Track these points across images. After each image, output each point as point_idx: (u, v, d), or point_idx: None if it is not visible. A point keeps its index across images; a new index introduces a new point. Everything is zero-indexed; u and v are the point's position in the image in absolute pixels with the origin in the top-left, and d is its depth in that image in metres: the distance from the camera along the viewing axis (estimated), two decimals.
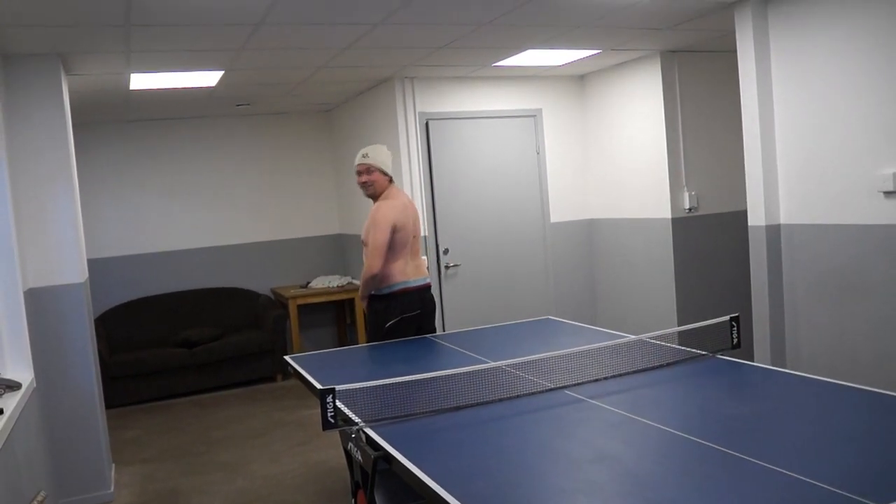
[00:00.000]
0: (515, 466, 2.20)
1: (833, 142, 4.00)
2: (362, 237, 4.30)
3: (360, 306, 4.61)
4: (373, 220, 4.17)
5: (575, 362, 3.20)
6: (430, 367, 3.30)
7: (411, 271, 4.26)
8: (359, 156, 4.31)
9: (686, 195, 5.82)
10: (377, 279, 4.16)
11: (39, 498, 2.18)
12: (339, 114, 7.68)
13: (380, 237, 4.09)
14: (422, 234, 4.50)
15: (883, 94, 3.73)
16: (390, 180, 4.30)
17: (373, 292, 4.27)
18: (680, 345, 3.53)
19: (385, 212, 4.14)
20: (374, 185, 4.27)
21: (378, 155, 4.29)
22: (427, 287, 4.37)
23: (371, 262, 4.10)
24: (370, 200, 4.36)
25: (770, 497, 1.85)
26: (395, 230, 4.12)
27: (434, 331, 4.44)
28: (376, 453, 2.46)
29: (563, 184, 6.64)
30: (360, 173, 4.29)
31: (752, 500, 1.85)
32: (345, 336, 7.88)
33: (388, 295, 4.22)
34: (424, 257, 4.57)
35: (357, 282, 4.46)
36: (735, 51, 4.43)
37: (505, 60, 5.54)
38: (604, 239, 6.65)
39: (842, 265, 4.03)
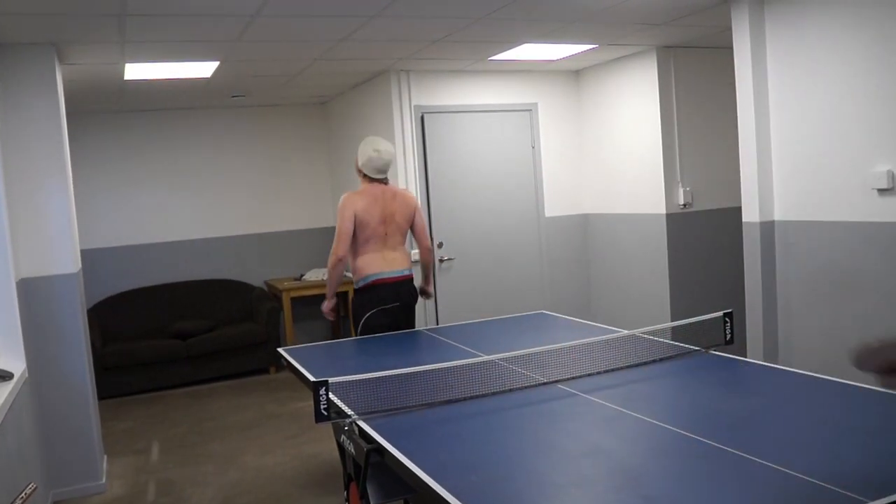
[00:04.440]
0: (508, 460, 2.21)
1: (828, 139, 4.01)
2: None
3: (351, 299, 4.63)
4: (338, 209, 4.31)
5: (568, 357, 3.21)
6: (423, 360, 3.30)
7: (384, 263, 4.28)
8: None
9: (681, 191, 5.82)
10: (342, 265, 4.27)
11: (28, 490, 2.17)
12: (334, 106, 7.66)
13: (340, 224, 4.25)
14: (422, 226, 4.47)
15: (878, 91, 3.73)
16: (364, 176, 4.33)
17: (356, 287, 4.35)
18: (673, 340, 3.54)
19: (344, 202, 4.27)
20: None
21: (357, 152, 4.39)
22: (405, 279, 4.36)
23: (334, 247, 4.27)
24: None
25: (761, 492, 1.86)
26: (357, 220, 4.22)
27: (412, 326, 4.42)
28: (369, 446, 2.46)
29: (558, 178, 6.64)
30: None
31: (744, 494, 1.86)
32: (338, 329, 7.87)
33: (362, 289, 4.31)
34: (415, 251, 4.54)
35: (349, 275, 4.47)
36: (731, 47, 4.43)
37: (501, 54, 5.53)
38: (598, 234, 6.65)
39: (835, 262, 4.04)
